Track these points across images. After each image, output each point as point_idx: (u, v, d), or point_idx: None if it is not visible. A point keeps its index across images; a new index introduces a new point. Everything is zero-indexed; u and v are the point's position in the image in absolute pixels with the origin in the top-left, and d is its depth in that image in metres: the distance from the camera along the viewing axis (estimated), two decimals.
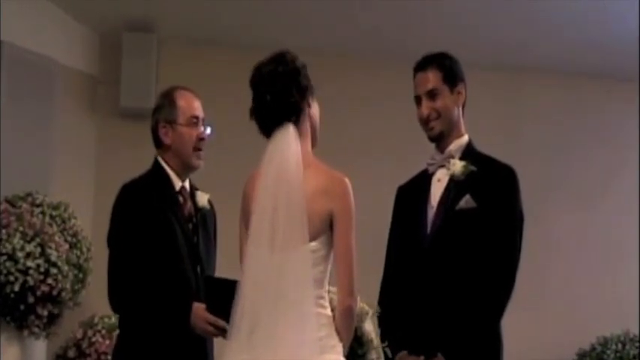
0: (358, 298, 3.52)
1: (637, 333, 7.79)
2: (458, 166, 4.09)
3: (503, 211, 4.02)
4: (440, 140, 4.17)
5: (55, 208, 6.55)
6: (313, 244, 3.35)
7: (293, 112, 3.42)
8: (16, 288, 5.93)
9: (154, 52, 7.57)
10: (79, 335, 6.73)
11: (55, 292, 6.07)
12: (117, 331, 4.31)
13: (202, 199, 4.31)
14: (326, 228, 3.37)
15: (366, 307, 3.72)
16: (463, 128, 4.21)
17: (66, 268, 6.17)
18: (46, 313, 6.07)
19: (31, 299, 5.99)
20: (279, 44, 3.72)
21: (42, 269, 6.01)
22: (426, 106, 4.15)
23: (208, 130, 4.27)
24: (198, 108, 4.26)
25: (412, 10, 7.34)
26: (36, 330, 6.09)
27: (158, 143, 4.26)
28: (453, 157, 4.13)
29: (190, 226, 4.21)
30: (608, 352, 7.77)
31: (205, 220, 4.30)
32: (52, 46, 7.26)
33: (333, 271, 3.41)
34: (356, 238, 3.41)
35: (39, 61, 7.13)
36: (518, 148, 7.82)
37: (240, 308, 3.30)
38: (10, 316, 6.02)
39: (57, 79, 7.31)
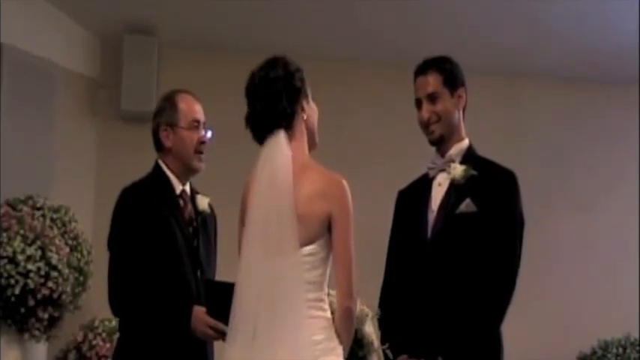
0: (358, 301, 3.53)
1: (637, 337, 7.79)
2: (458, 170, 4.09)
3: (504, 215, 4.02)
4: (440, 144, 4.17)
5: (56, 211, 6.56)
6: (311, 246, 3.36)
7: (283, 119, 3.44)
8: (17, 291, 5.94)
9: (155, 55, 7.57)
10: (80, 338, 6.73)
11: (55, 295, 6.08)
12: (117, 335, 4.31)
13: (203, 202, 4.31)
14: (324, 230, 3.39)
15: (366, 310, 3.72)
16: (464, 132, 4.21)
17: (66, 271, 6.17)
18: (46, 316, 6.08)
19: (31, 302, 6.00)
20: (279, 48, 3.73)
21: (42, 272, 6.02)
22: (426, 110, 4.15)
23: (209, 134, 4.28)
24: (199, 111, 4.27)
25: (412, 14, 7.35)
26: (36, 333, 6.10)
27: (159, 146, 4.26)
28: (453, 161, 4.13)
29: (191, 229, 4.21)
30: (609, 355, 7.77)
31: (206, 223, 4.30)
32: (53, 49, 7.26)
33: (332, 273, 3.42)
34: (356, 242, 3.41)
35: (40, 64, 7.13)
36: (519, 153, 7.83)
37: (237, 312, 3.31)
38: (11, 319, 6.03)
39: (58, 82, 7.31)
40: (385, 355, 3.82)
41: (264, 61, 3.51)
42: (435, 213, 4.10)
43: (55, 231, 6.36)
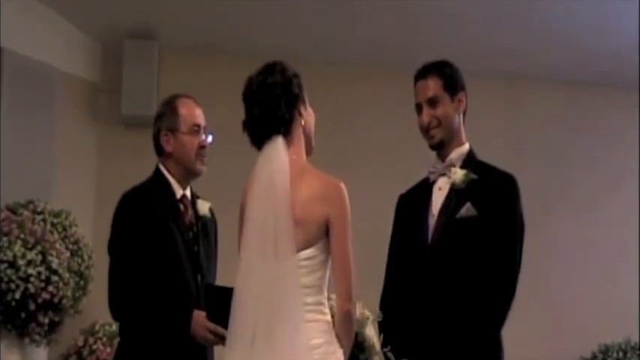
0: (360, 304, 3.53)
1: (637, 341, 7.78)
2: (459, 174, 4.09)
3: (504, 219, 4.03)
4: (441, 148, 4.18)
5: (57, 215, 6.56)
6: (310, 250, 3.37)
7: (282, 124, 3.44)
8: (17, 295, 5.94)
9: (155, 60, 7.57)
10: (80, 343, 6.73)
11: (56, 300, 6.07)
12: (118, 339, 4.30)
13: (203, 207, 4.32)
14: (323, 234, 3.39)
15: (367, 313, 3.72)
16: (464, 136, 4.21)
17: (67, 275, 6.17)
18: (47, 320, 6.08)
19: (32, 307, 5.99)
20: (279, 52, 3.75)
21: (43, 277, 6.01)
22: (426, 114, 4.16)
23: (210, 138, 4.28)
24: (199, 116, 4.27)
25: (412, 17, 7.35)
26: (37, 337, 6.10)
27: (160, 151, 4.26)
28: (453, 165, 4.13)
29: (191, 234, 4.21)
30: (610, 359, 7.77)
31: (206, 228, 4.31)
32: (53, 53, 7.27)
33: (331, 277, 3.43)
34: (356, 246, 3.42)
35: (40, 68, 7.14)
36: (519, 156, 7.84)
37: (236, 316, 3.32)
38: (11, 324, 6.02)
39: (58, 86, 7.32)
40: (386, 358, 3.82)
41: (261, 67, 3.52)
42: (435, 217, 4.10)
43: (56, 235, 6.36)
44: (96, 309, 6.29)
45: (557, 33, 7.57)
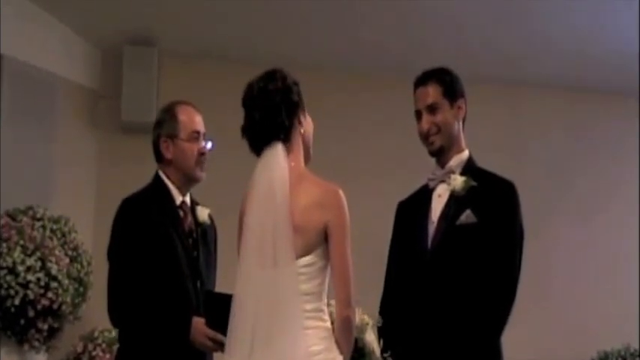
0: (360, 310, 3.53)
1: (637, 348, 7.78)
2: (458, 181, 4.09)
3: (504, 226, 4.03)
4: (440, 155, 4.18)
5: (56, 221, 6.55)
6: (309, 257, 3.37)
7: (282, 131, 3.45)
8: (17, 302, 5.94)
9: (155, 66, 7.57)
10: (80, 349, 6.73)
11: (55, 306, 6.08)
12: (117, 345, 4.30)
13: (203, 213, 4.31)
14: (321, 241, 3.39)
15: (367, 318, 3.72)
16: (463, 143, 4.22)
17: (66, 281, 6.18)
18: (46, 326, 6.08)
19: (31, 313, 6.00)
20: (279, 59, 3.75)
21: (42, 283, 6.02)
22: (426, 121, 4.16)
23: (209, 145, 4.28)
24: (199, 123, 4.27)
25: (412, 24, 7.36)
26: (36, 344, 6.10)
27: (159, 157, 4.26)
28: (453, 172, 4.14)
29: (190, 240, 4.20)
30: None
31: (206, 234, 4.30)
32: (53, 60, 7.27)
33: (330, 283, 3.42)
34: (356, 252, 3.42)
35: (40, 75, 7.14)
36: (519, 163, 7.83)
37: (235, 323, 3.32)
38: (11, 330, 6.03)
39: (58, 93, 7.32)
40: None
41: (262, 74, 3.52)
42: (435, 224, 4.10)
43: (55, 242, 6.36)
44: (95, 315, 6.28)
45: (557, 40, 7.58)
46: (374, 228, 4.92)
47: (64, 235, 6.53)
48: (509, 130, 8.34)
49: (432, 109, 4.15)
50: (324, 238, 3.39)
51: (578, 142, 8.44)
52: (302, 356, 3.28)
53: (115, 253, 4.13)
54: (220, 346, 3.77)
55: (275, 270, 3.31)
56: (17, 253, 6.00)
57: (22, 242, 6.08)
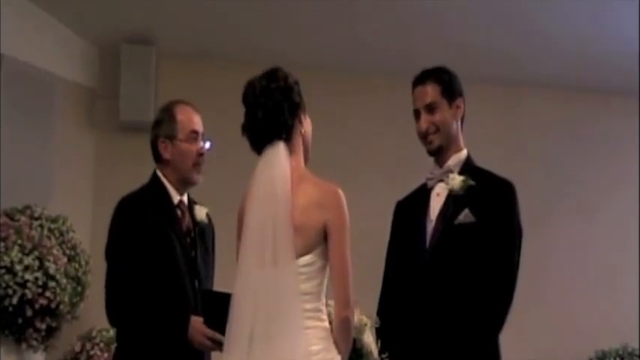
0: (357, 310, 3.53)
1: (635, 347, 7.78)
2: (457, 180, 4.09)
3: (502, 225, 4.03)
4: (439, 154, 4.18)
5: (54, 221, 6.55)
6: (308, 257, 3.37)
7: (284, 130, 3.45)
8: (15, 301, 5.93)
9: (153, 65, 7.56)
10: (78, 348, 6.72)
11: (53, 305, 6.07)
12: (115, 345, 4.30)
13: (201, 212, 4.31)
14: (321, 240, 3.39)
15: (365, 319, 3.72)
16: (462, 142, 4.22)
17: (64, 281, 6.17)
18: (44, 326, 6.08)
19: (29, 312, 5.99)
20: (277, 58, 3.74)
21: (40, 282, 6.01)
22: (424, 120, 4.16)
23: (207, 145, 4.28)
24: (197, 123, 4.26)
25: (410, 26, 7.36)
26: (34, 343, 6.10)
27: (157, 157, 4.26)
28: (452, 171, 4.14)
29: (188, 240, 4.20)
30: None
31: (203, 234, 4.30)
32: (51, 59, 7.26)
33: (329, 283, 3.42)
34: (354, 251, 3.42)
35: (38, 74, 7.13)
36: (518, 163, 7.83)
37: (234, 323, 3.32)
38: (9, 329, 6.02)
39: (56, 92, 7.31)
40: None
41: (264, 72, 3.52)
42: (433, 223, 4.11)
43: (53, 241, 6.35)
44: (93, 315, 6.27)
45: (557, 39, 7.57)
46: (372, 228, 4.91)
47: (62, 235, 6.52)
48: (509, 129, 8.34)
49: (431, 108, 4.15)
50: (324, 238, 3.38)
51: (577, 142, 8.43)
52: (301, 356, 3.28)
53: (112, 252, 4.13)
54: (218, 346, 3.77)
55: (275, 269, 3.31)
56: (15, 252, 6.00)
57: (20, 241, 6.08)
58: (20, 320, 5.99)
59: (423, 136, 4.17)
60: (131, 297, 4.02)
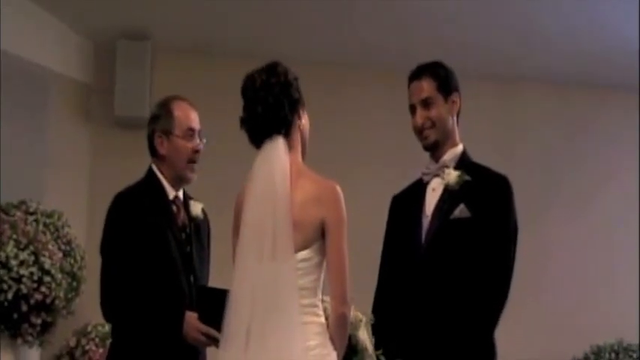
0: (352, 307, 3.53)
1: (631, 342, 7.79)
2: (452, 175, 4.09)
3: (498, 220, 4.03)
4: (434, 149, 4.18)
5: (49, 216, 6.54)
6: (305, 252, 3.37)
7: (283, 125, 3.45)
8: (10, 296, 5.93)
9: (149, 60, 7.56)
10: (73, 344, 6.72)
11: (48, 301, 6.07)
12: (110, 340, 4.30)
13: (196, 208, 4.30)
14: (318, 236, 3.39)
15: (360, 315, 3.72)
16: (458, 137, 4.22)
17: (59, 276, 6.16)
18: (39, 321, 6.07)
19: (24, 307, 5.99)
20: (274, 54, 3.73)
21: (35, 277, 6.01)
22: (420, 115, 4.16)
23: (203, 141, 4.27)
24: (194, 120, 4.25)
25: (406, 21, 7.35)
26: (29, 338, 6.09)
27: (153, 152, 4.25)
28: (447, 166, 4.13)
29: (184, 235, 4.20)
30: None
31: (199, 229, 4.29)
32: (46, 54, 7.25)
33: (326, 279, 3.42)
34: (350, 247, 3.41)
35: (33, 69, 7.12)
36: (514, 158, 7.84)
37: (231, 317, 3.31)
38: (4, 325, 6.02)
39: (51, 87, 7.31)
40: None
41: (264, 66, 3.51)
42: (429, 218, 4.10)
43: (48, 236, 6.35)
44: (88, 310, 6.28)
45: (556, 35, 7.56)
46: (367, 223, 4.91)
47: (57, 230, 6.52)
48: (505, 125, 8.33)
49: (426, 103, 4.15)
50: (321, 234, 3.38)
51: (574, 137, 8.43)
52: (299, 351, 3.28)
53: (107, 247, 4.12)
54: (213, 342, 3.76)
55: (273, 264, 3.30)
56: (10, 248, 5.99)
57: (15, 236, 6.07)
58: (15, 315, 5.99)
59: (419, 131, 4.17)
60: (126, 292, 4.01)
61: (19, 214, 6.35)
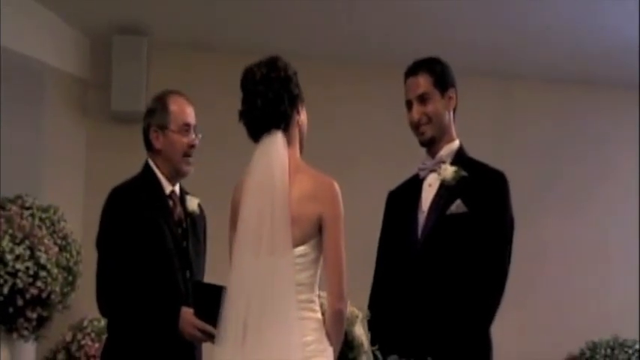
0: (348, 302, 3.53)
1: (626, 338, 7.79)
2: (449, 171, 4.09)
3: (494, 216, 4.03)
4: (431, 145, 4.18)
5: (45, 210, 6.53)
6: (302, 247, 3.37)
7: (283, 120, 3.44)
8: (5, 291, 5.92)
9: (145, 55, 7.55)
10: (69, 338, 6.71)
11: (44, 295, 6.06)
12: (106, 335, 4.29)
13: (192, 203, 4.30)
14: (315, 232, 3.39)
15: (356, 311, 3.73)
16: (454, 133, 4.22)
17: (55, 270, 6.16)
18: (35, 316, 6.07)
19: (20, 302, 5.98)
20: (270, 49, 3.73)
21: (31, 272, 6.00)
22: (416, 111, 4.16)
23: (199, 137, 4.27)
24: (190, 114, 4.24)
25: (403, 16, 7.34)
26: (25, 333, 6.08)
27: (149, 146, 4.25)
28: (444, 162, 4.13)
29: (180, 230, 4.20)
30: (597, 357, 7.77)
31: (195, 224, 4.29)
32: (42, 49, 7.24)
33: (323, 275, 3.42)
34: (346, 243, 3.42)
35: (29, 64, 7.11)
36: (511, 154, 7.83)
37: (227, 314, 3.31)
38: None
39: (47, 82, 7.29)
40: (375, 356, 3.81)
41: (264, 60, 3.50)
42: (425, 214, 4.10)
43: (44, 230, 6.34)
44: (84, 305, 6.26)
45: (554, 32, 7.54)
46: (364, 219, 4.91)
47: (53, 224, 6.51)
48: (502, 121, 8.33)
49: (423, 99, 4.14)
50: (319, 229, 3.38)
51: (571, 134, 8.42)
52: (296, 346, 3.28)
53: (103, 242, 4.13)
54: (209, 337, 3.76)
55: (271, 259, 3.30)
56: (6, 242, 5.98)
57: (10, 231, 6.07)
58: (11, 310, 5.98)
59: (415, 127, 4.17)
60: (122, 287, 4.01)
61: (14, 208, 6.34)
